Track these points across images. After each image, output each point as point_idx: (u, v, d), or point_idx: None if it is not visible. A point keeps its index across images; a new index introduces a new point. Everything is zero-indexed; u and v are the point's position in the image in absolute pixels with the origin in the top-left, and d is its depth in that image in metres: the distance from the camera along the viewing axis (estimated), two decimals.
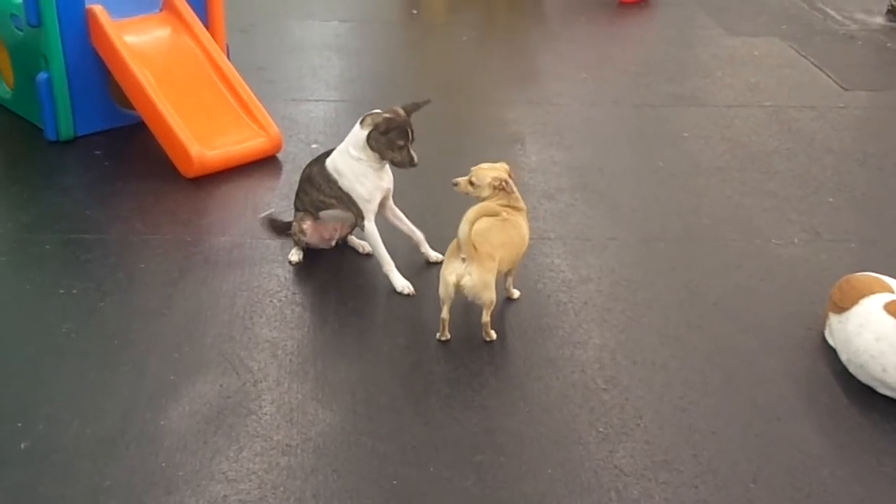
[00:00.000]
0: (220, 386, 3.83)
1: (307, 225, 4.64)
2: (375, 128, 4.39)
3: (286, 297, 4.42)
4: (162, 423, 3.63)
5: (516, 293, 4.46)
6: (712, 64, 7.62)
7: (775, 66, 7.63)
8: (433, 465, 3.49)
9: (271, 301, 4.39)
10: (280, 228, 4.86)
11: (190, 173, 5.38)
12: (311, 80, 6.92)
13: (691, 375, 4.04)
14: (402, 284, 4.49)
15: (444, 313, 4.11)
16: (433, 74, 7.31)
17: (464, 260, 4.02)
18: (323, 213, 4.62)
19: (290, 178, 5.41)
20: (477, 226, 3.98)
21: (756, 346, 4.25)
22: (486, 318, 4.13)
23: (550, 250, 4.88)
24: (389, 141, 4.38)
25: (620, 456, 3.57)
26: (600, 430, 3.70)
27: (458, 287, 4.03)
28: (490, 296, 4.06)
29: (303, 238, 4.65)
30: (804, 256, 4.95)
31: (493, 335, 4.17)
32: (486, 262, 4.04)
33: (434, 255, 4.67)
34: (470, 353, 4.11)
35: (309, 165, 4.69)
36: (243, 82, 5.83)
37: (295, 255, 4.68)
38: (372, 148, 4.41)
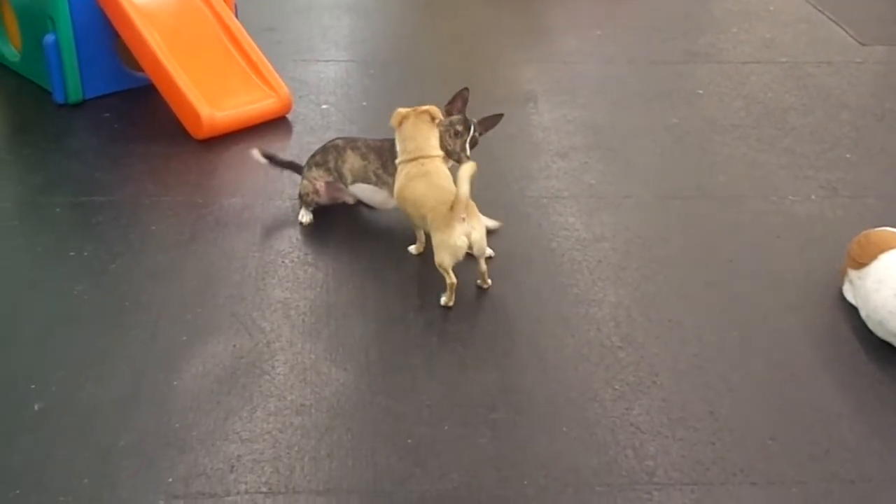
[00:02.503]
0: (233, 347, 3.83)
1: (321, 185, 4.63)
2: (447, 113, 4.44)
3: (298, 257, 4.41)
4: (175, 384, 3.63)
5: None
6: (727, 20, 7.55)
7: (791, 21, 7.56)
8: (448, 424, 3.49)
9: (283, 262, 4.38)
10: (280, 163, 4.87)
11: (200, 135, 5.36)
12: (321, 41, 6.88)
13: (707, 333, 4.03)
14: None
15: (454, 278, 4.09)
16: (444, 34, 7.26)
17: (464, 219, 4.02)
18: (355, 186, 4.61)
19: (300, 139, 5.40)
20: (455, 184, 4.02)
21: (773, 302, 4.23)
22: (485, 266, 4.20)
23: (564, 209, 4.86)
24: (451, 126, 4.43)
25: (636, 413, 3.57)
26: (616, 387, 3.70)
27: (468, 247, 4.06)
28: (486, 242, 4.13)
29: (315, 198, 4.63)
30: (821, 213, 4.93)
31: (489, 281, 4.24)
32: (477, 211, 4.09)
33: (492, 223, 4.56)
34: (484, 313, 4.11)
35: (381, 141, 4.59)
36: (252, 43, 5.80)
37: (305, 217, 4.66)
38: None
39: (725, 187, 5.15)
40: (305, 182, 4.68)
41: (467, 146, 4.44)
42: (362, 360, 3.80)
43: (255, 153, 4.87)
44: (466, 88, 4.49)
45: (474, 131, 4.46)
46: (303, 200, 4.70)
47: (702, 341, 3.97)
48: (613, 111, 5.97)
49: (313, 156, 4.73)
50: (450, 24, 7.47)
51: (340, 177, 4.62)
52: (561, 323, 4.05)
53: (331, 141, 4.72)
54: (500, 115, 4.59)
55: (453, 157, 4.44)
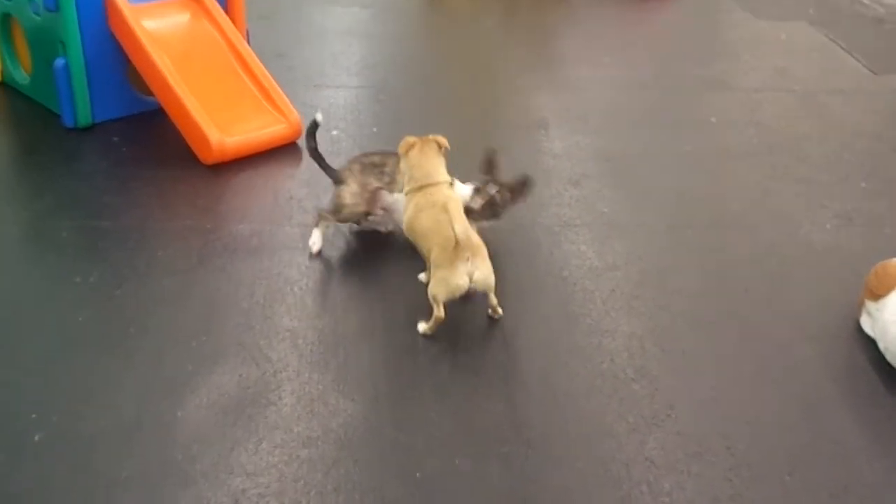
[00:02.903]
0: (240, 376, 3.74)
1: (369, 193, 4.52)
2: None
3: (307, 285, 4.32)
4: (179, 414, 3.53)
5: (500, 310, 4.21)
6: (739, 48, 7.50)
7: (803, 50, 7.50)
8: (458, 458, 3.39)
9: (292, 289, 4.29)
10: (322, 163, 4.73)
11: (209, 160, 5.28)
12: (331, 67, 6.82)
13: (723, 364, 3.93)
14: None
15: (442, 313, 3.96)
16: (456, 60, 7.21)
17: (468, 259, 3.93)
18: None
19: (310, 165, 5.27)
20: (459, 223, 4.00)
21: (790, 334, 4.13)
22: (494, 300, 4.10)
23: (576, 237, 4.77)
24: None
25: (651, 447, 3.46)
26: (630, 420, 3.59)
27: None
28: (493, 280, 4.04)
29: (354, 212, 4.54)
30: (837, 242, 4.84)
31: (500, 311, 4.13)
32: (482, 248, 4.01)
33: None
34: (495, 343, 4.01)
35: None
36: (263, 68, 5.73)
37: (316, 244, 4.56)
38: None
39: (740, 216, 5.06)
40: (344, 192, 4.54)
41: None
42: (371, 390, 3.70)
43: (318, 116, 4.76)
44: (494, 150, 4.51)
45: (494, 193, 4.47)
46: (333, 216, 4.57)
47: (717, 373, 3.87)
48: (626, 139, 5.88)
49: (361, 158, 4.62)
50: (461, 51, 7.41)
51: (392, 183, 4.50)
52: (574, 353, 3.95)
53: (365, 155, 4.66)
54: (526, 179, 4.56)
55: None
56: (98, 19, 5.43)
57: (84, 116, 5.59)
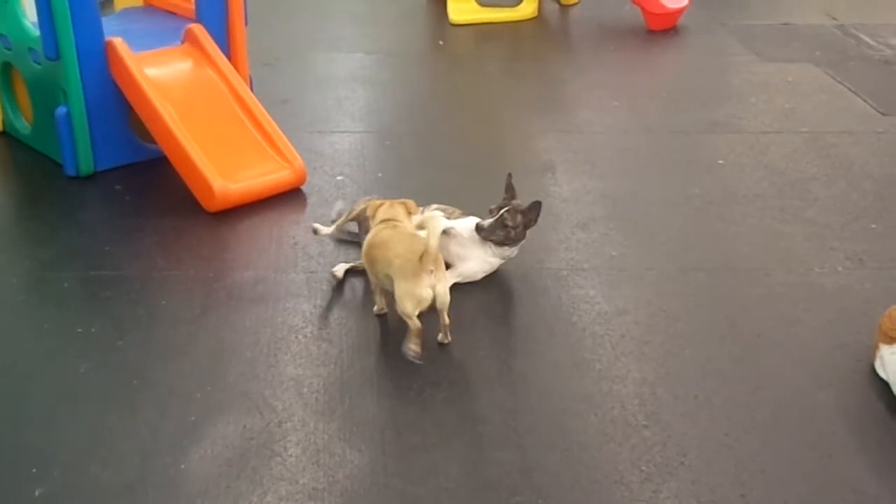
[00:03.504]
0: (244, 427, 3.69)
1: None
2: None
3: (311, 332, 4.28)
4: (183, 466, 3.49)
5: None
6: (746, 90, 7.47)
7: (810, 91, 7.47)
8: None
9: (296, 337, 4.25)
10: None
11: (212, 207, 5.26)
12: (336, 112, 6.81)
13: (736, 411, 3.87)
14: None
15: (418, 323, 4.06)
16: (460, 105, 7.20)
17: (432, 271, 4.04)
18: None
19: (314, 211, 5.30)
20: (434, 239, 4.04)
21: (803, 379, 4.08)
22: (448, 320, 4.18)
23: (585, 281, 4.73)
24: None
25: (665, 496, 3.41)
26: (643, 468, 3.53)
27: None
28: (449, 298, 4.15)
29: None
30: (849, 285, 4.79)
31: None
32: (443, 265, 4.15)
33: None
34: (503, 389, 3.96)
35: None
36: (267, 115, 5.72)
37: (340, 269, 4.65)
38: None
39: (749, 259, 5.01)
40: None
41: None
42: (377, 440, 3.65)
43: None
44: (511, 175, 4.67)
45: (503, 212, 4.56)
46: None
47: (731, 419, 3.81)
48: (633, 182, 5.85)
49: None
50: (466, 96, 7.41)
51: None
52: (584, 400, 3.90)
53: None
54: (537, 202, 4.63)
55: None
56: (99, 67, 5.44)
57: (86, 165, 5.58)
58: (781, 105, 7.18)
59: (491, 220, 4.57)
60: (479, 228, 4.59)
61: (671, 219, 5.42)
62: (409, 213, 4.41)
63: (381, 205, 4.44)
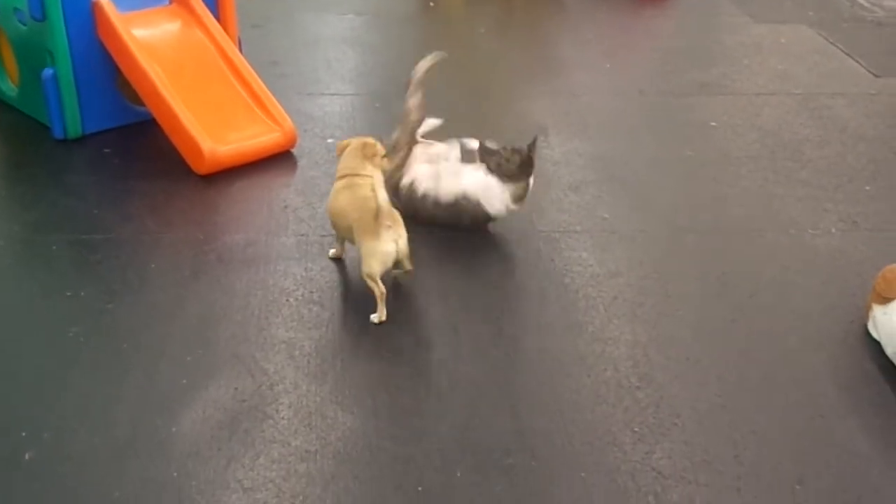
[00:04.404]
0: (235, 390, 3.69)
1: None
2: None
3: (303, 295, 4.28)
4: (174, 429, 3.48)
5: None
6: (738, 51, 7.46)
7: (803, 53, 7.46)
8: (460, 470, 3.34)
9: (287, 300, 4.24)
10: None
11: (202, 170, 5.23)
12: (326, 74, 6.79)
13: (728, 372, 3.88)
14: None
15: (382, 288, 4.13)
16: (451, 67, 7.10)
17: (389, 227, 4.12)
18: None
19: (304, 174, 5.29)
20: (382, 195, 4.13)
21: (795, 340, 4.09)
22: (409, 265, 4.32)
23: (577, 244, 4.73)
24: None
25: (658, 457, 3.41)
26: (635, 430, 3.54)
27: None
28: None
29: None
30: (842, 247, 4.79)
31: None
32: (400, 218, 4.22)
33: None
34: (496, 351, 3.97)
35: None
36: (256, 76, 5.69)
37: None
38: None
39: (742, 221, 5.02)
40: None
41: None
42: (369, 403, 3.65)
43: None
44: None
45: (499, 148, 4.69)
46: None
47: (723, 381, 3.82)
48: (625, 144, 5.85)
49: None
50: (456, 57, 7.34)
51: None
52: (577, 362, 3.90)
53: None
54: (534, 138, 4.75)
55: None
56: (86, 28, 5.40)
57: (74, 128, 5.55)
58: (774, 66, 7.17)
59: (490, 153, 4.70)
60: (486, 155, 4.72)
61: (664, 181, 5.42)
62: (371, 157, 4.43)
63: (345, 147, 4.50)
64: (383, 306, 4.10)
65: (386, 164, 4.53)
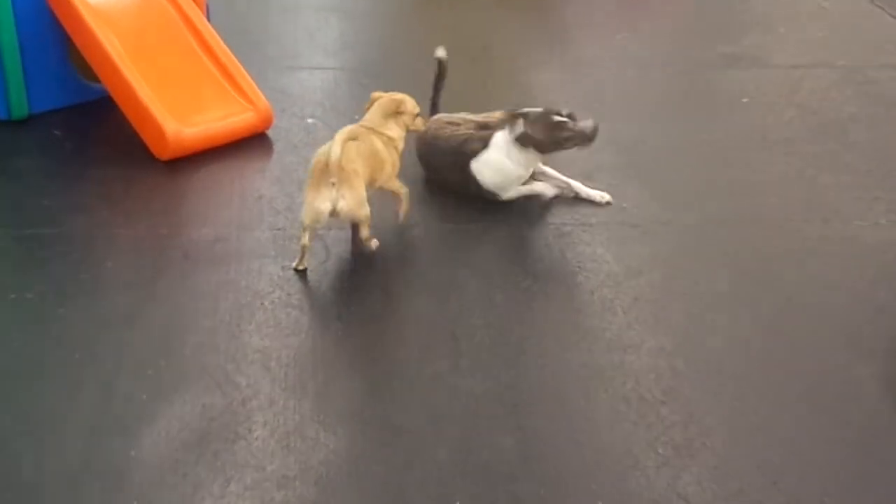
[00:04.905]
0: (203, 406, 3.66)
1: None
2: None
3: (279, 298, 4.26)
4: (133, 453, 3.45)
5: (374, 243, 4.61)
6: (773, 18, 7.47)
7: (847, 18, 7.48)
8: (459, 498, 3.31)
9: (262, 303, 4.22)
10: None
11: (165, 155, 5.22)
12: (306, 46, 6.80)
13: (766, 385, 3.85)
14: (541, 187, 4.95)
15: (306, 240, 4.39)
16: (448, 37, 7.09)
17: (334, 184, 4.27)
18: None
19: (281, 159, 5.28)
20: (337, 149, 4.30)
21: (842, 348, 4.06)
22: (365, 233, 4.48)
23: (591, 238, 4.72)
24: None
25: (685, 483, 3.38)
26: (660, 451, 3.51)
27: (332, 213, 4.34)
28: (366, 212, 4.43)
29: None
30: (893, 240, 4.79)
31: (376, 242, 4.55)
32: (355, 179, 4.36)
33: (598, 195, 5.03)
34: (501, 362, 3.94)
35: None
36: (226, 48, 5.68)
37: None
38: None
39: (779, 211, 5.01)
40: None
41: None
42: (356, 421, 3.63)
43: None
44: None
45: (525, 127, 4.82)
46: None
47: (759, 395, 3.80)
48: (645, 124, 5.85)
49: None
50: (455, 26, 7.36)
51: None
52: (592, 374, 3.88)
53: None
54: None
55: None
56: None
57: (19, 107, 5.52)
58: (814, 34, 7.20)
59: (538, 114, 4.87)
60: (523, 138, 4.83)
61: (689, 166, 5.42)
62: (396, 114, 4.70)
63: (374, 101, 4.76)
64: (301, 258, 4.41)
65: (420, 123, 4.81)
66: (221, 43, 5.68)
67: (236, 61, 5.65)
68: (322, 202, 4.31)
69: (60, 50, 5.56)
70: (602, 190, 5.05)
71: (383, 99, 4.73)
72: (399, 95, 4.75)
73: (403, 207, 4.76)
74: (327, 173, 4.27)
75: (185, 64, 5.58)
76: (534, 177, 5.03)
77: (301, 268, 4.42)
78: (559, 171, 5.10)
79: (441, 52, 5.25)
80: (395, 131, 4.71)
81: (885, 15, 7.47)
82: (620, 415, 3.67)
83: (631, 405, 3.71)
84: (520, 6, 7.75)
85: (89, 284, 4.34)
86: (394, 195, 4.76)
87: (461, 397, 3.75)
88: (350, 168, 4.34)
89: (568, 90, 6.19)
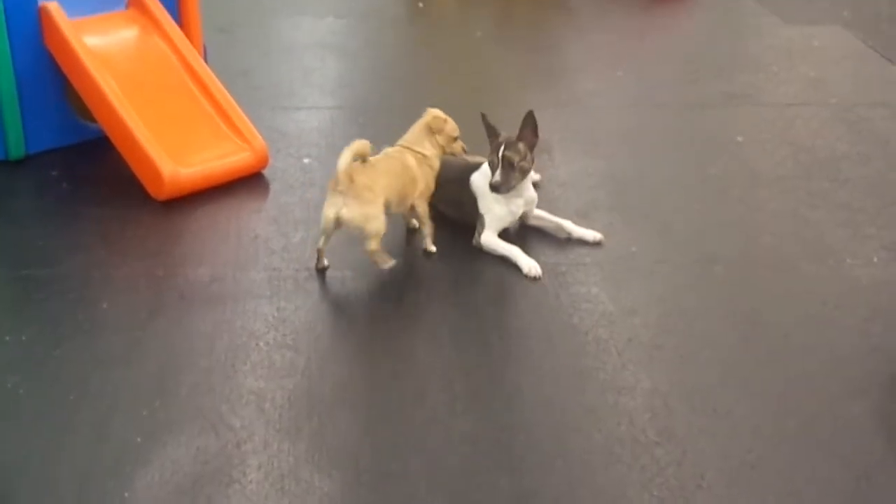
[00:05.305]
0: (197, 448, 3.63)
1: None
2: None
3: (274, 339, 4.23)
4: (126, 495, 3.42)
5: (432, 247, 4.86)
6: (767, 57, 7.48)
7: (839, 58, 7.48)
8: None
9: (257, 344, 4.20)
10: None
11: (162, 195, 5.21)
12: (302, 85, 6.79)
13: (761, 424, 3.82)
14: (528, 265, 4.71)
15: (321, 244, 4.62)
16: (444, 76, 7.16)
17: (341, 192, 4.46)
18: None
19: (277, 199, 5.26)
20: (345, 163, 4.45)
21: (836, 386, 4.03)
22: (372, 245, 4.56)
23: (586, 277, 4.69)
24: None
25: None
26: (654, 493, 3.48)
27: (338, 221, 4.50)
28: (374, 226, 4.53)
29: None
30: (886, 278, 4.76)
31: (390, 262, 4.62)
32: (365, 192, 4.49)
33: (590, 235, 4.99)
34: (496, 404, 3.91)
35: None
36: (223, 89, 5.69)
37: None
38: None
39: (774, 250, 4.99)
40: None
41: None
42: (351, 464, 3.59)
43: None
44: (484, 115, 4.98)
45: (504, 150, 4.76)
46: None
47: (755, 434, 3.76)
48: (641, 162, 5.84)
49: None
50: (450, 65, 7.37)
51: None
52: (587, 414, 3.85)
53: None
54: (529, 116, 4.89)
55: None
56: (32, 35, 5.39)
57: (16, 147, 5.53)
58: (807, 73, 7.20)
59: (498, 171, 4.75)
60: (494, 188, 4.76)
61: (684, 205, 5.40)
62: (436, 132, 4.88)
63: (426, 116, 4.92)
64: (318, 258, 4.64)
65: (458, 147, 4.95)
66: (218, 83, 5.68)
67: (233, 101, 5.65)
68: (328, 208, 4.50)
69: (58, 90, 5.55)
70: (597, 228, 5.02)
71: (428, 115, 4.88)
72: (443, 115, 4.89)
73: (426, 231, 4.85)
74: (336, 183, 4.44)
75: (182, 104, 5.58)
76: (525, 219, 5.03)
77: (321, 267, 4.64)
78: (553, 210, 5.09)
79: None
80: (431, 150, 4.87)
81: (875, 55, 7.49)
82: (615, 456, 3.63)
83: (625, 446, 3.68)
84: (518, 45, 7.77)
85: (85, 325, 4.31)
86: (419, 216, 4.86)
87: (456, 439, 3.71)
88: (361, 181, 4.47)
89: (564, 128, 6.19)
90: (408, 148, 4.82)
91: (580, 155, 5.85)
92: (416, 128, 4.88)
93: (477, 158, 5.03)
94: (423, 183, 4.82)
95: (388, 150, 4.83)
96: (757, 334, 4.35)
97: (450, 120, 4.90)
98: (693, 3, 8.73)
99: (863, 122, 6.37)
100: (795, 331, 4.37)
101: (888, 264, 4.85)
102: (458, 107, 4.98)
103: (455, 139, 4.92)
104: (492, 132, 4.88)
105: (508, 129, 4.85)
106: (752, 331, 4.37)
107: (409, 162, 4.77)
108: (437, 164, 4.91)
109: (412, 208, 4.85)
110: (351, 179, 4.46)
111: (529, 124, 4.83)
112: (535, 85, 6.94)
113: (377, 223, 4.53)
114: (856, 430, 3.80)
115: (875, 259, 4.90)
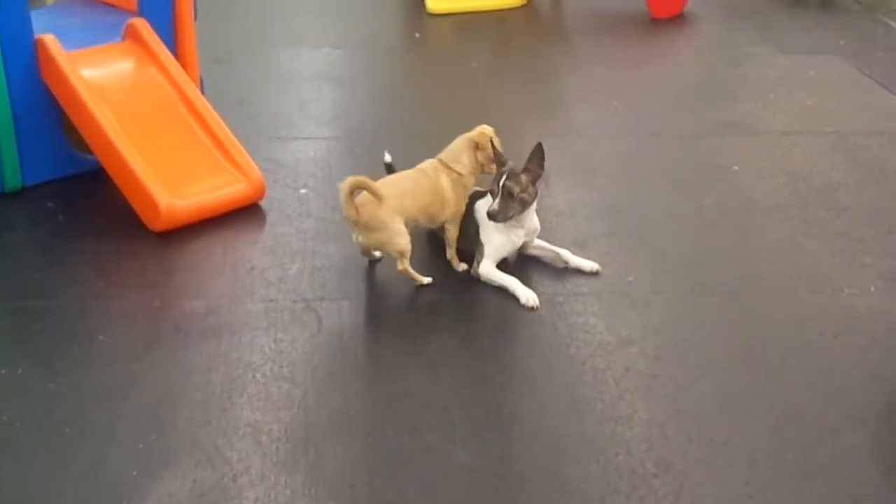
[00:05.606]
0: (193, 482, 3.62)
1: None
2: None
3: (271, 371, 4.22)
4: None
5: (460, 266, 4.96)
6: (763, 86, 7.47)
7: (835, 86, 7.48)
8: None
9: (254, 376, 4.19)
10: None
11: (158, 226, 5.20)
12: (299, 116, 6.79)
13: (758, 454, 3.81)
14: (525, 296, 4.71)
15: (379, 254, 4.90)
16: (440, 106, 7.17)
17: (355, 223, 4.64)
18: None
19: (274, 230, 5.25)
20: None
21: (834, 417, 4.03)
22: (399, 267, 4.71)
23: (583, 307, 4.68)
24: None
25: None
26: None
27: (364, 245, 4.79)
28: (393, 249, 4.69)
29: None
30: (884, 307, 4.75)
31: (423, 279, 4.78)
32: (371, 222, 4.61)
33: (587, 265, 4.98)
34: (493, 435, 3.90)
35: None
36: (220, 120, 5.68)
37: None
38: None
39: (770, 279, 4.98)
40: None
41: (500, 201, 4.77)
42: (348, 496, 3.58)
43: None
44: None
45: (505, 180, 4.76)
46: None
47: (752, 465, 3.76)
48: (637, 192, 5.83)
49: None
50: (446, 95, 7.38)
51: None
52: (584, 445, 3.84)
53: None
54: (538, 148, 4.88)
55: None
56: (28, 67, 5.39)
57: (13, 179, 5.52)
58: (803, 102, 7.19)
59: (497, 200, 4.75)
60: (491, 216, 4.76)
61: (681, 234, 5.40)
62: (477, 149, 4.93)
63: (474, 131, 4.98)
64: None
65: (492, 168, 4.90)
66: (215, 114, 5.68)
67: (229, 132, 5.65)
68: (353, 234, 4.75)
69: (54, 122, 5.55)
70: (594, 258, 5.02)
71: (476, 130, 4.94)
72: (491, 132, 4.92)
73: (450, 255, 4.95)
74: (358, 187, 4.56)
75: (178, 135, 5.58)
76: (524, 248, 5.03)
77: (372, 260, 4.94)
78: (551, 240, 5.09)
79: (388, 158, 5.37)
80: (467, 167, 4.90)
81: (872, 83, 7.49)
82: (612, 487, 3.63)
83: (623, 477, 3.67)
84: (514, 75, 7.77)
85: (81, 358, 4.30)
86: (447, 240, 4.96)
87: (454, 470, 3.71)
88: (367, 211, 4.58)
89: (561, 157, 6.17)
90: (445, 165, 4.89)
91: (577, 185, 5.85)
92: (460, 140, 4.94)
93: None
94: (455, 207, 4.89)
95: (424, 165, 4.91)
96: (754, 364, 4.34)
97: (496, 139, 4.92)
98: (688, 32, 8.74)
99: (860, 151, 6.36)
100: (792, 360, 4.37)
101: (885, 293, 4.84)
102: (454, 137, 4.97)
103: (492, 160, 4.90)
104: (500, 160, 4.85)
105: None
106: (750, 361, 4.36)
107: (443, 184, 4.85)
108: (471, 183, 4.96)
109: (442, 228, 4.95)
110: (356, 212, 4.56)
111: (536, 156, 4.83)
112: (532, 115, 6.95)
113: (394, 246, 4.65)
114: (853, 460, 3.79)
115: (872, 288, 4.89)
